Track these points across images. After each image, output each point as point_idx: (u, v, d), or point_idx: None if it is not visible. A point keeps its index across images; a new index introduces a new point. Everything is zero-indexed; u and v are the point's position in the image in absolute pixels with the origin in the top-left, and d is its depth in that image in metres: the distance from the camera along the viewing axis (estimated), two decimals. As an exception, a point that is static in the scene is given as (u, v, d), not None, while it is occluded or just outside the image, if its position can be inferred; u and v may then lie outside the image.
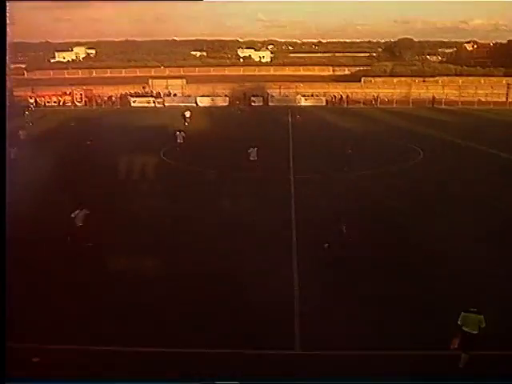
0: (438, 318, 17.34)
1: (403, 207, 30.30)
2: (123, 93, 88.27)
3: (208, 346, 16.28)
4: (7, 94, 76.99)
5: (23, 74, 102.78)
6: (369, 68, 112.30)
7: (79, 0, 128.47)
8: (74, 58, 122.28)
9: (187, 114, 62.88)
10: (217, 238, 24.82)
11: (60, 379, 15.18)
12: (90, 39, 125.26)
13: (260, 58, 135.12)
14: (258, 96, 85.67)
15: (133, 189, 34.75)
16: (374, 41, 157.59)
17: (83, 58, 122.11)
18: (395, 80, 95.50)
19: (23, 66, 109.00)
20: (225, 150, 45.23)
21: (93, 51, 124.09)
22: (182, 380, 14.46)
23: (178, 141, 46.44)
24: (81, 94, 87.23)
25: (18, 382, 13.46)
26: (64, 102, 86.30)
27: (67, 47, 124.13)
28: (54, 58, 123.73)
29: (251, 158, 37.40)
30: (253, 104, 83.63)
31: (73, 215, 23.19)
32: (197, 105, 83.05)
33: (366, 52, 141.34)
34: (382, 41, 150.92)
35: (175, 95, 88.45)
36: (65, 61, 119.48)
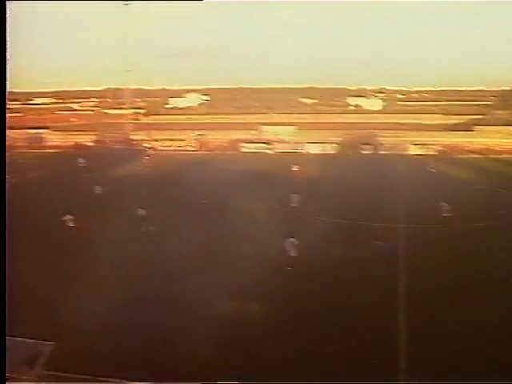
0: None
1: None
2: (234, 138, 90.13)
3: None
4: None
5: (138, 119, 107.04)
6: (481, 117, 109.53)
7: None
8: (189, 104, 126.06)
9: (295, 167, 62.41)
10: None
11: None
12: (204, 86, 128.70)
13: (370, 105, 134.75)
14: (367, 144, 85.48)
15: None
16: (487, 89, 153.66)
17: (197, 105, 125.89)
18: (510, 129, 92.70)
19: (141, 111, 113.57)
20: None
21: (207, 98, 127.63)
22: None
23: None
24: (194, 140, 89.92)
25: (18, 382, 13.85)
26: (177, 147, 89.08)
27: (182, 94, 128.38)
28: (168, 104, 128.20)
29: None
30: (362, 152, 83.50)
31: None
32: (307, 152, 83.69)
33: (478, 100, 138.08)
34: (497, 89, 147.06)
35: (285, 142, 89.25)
36: (180, 107, 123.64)
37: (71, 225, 38.07)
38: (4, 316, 9.54)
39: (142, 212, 39.81)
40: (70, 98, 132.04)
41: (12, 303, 24.21)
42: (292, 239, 30.57)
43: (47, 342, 17.89)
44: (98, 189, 51.90)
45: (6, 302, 9.44)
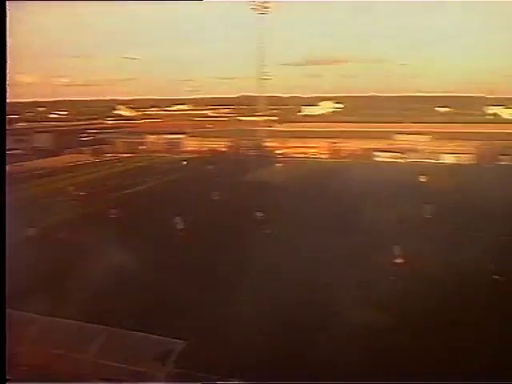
0: None
1: None
2: (367, 147, 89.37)
3: None
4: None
5: (272, 126, 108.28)
6: None
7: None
8: (322, 112, 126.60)
9: (428, 178, 61.44)
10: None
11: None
12: (338, 94, 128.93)
13: (509, 115, 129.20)
14: (506, 155, 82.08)
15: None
16: None
17: (330, 112, 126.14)
18: None
19: (275, 118, 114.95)
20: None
21: (340, 106, 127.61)
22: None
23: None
24: (326, 147, 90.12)
25: (18, 382, 14.03)
26: (309, 155, 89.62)
27: (316, 101, 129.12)
28: (302, 111, 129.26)
29: None
30: (500, 163, 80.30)
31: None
32: (440, 162, 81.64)
33: None
34: None
35: (419, 151, 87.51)
36: (313, 114, 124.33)
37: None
38: (4, 316, 9.78)
39: (267, 218, 40.60)
40: (205, 105, 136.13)
41: (145, 304, 25.43)
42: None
43: (179, 341, 18.47)
44: (225, 193, 53.15)
45: (5, 302, 9.69)
